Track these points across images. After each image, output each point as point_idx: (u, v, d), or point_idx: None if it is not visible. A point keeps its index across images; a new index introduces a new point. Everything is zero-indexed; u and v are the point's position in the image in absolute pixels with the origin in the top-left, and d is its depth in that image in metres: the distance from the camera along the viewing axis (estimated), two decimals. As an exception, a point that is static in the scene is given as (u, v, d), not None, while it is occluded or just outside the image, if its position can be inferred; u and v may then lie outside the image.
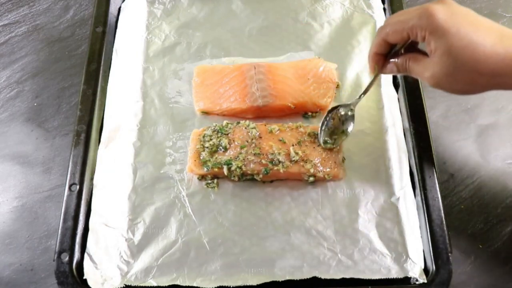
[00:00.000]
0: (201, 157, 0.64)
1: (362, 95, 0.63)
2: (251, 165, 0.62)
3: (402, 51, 0.53)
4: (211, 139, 0.65)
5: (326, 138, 0.64)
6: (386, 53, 0.54)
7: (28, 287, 0.63)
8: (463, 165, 0.70)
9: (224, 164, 0.62)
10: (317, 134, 0.65)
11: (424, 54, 0.49)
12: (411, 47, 0.52)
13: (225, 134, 0.65)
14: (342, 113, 0.65)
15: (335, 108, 0.65)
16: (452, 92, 0.48)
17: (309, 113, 0.70)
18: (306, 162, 0.62)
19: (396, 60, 0.52)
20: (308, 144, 0.64)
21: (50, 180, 0.70)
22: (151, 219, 0.62)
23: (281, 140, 0.64)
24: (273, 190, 0.64)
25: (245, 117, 0.69)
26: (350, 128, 0.65)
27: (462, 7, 0.45)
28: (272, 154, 0.63)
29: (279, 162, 0.62)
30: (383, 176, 0.65)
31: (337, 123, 0.65)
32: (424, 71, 0.47)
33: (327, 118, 0.65)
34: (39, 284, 0.63)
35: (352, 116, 0.65)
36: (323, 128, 0.65)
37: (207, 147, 0.64)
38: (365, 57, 0.74)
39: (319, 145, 0.64)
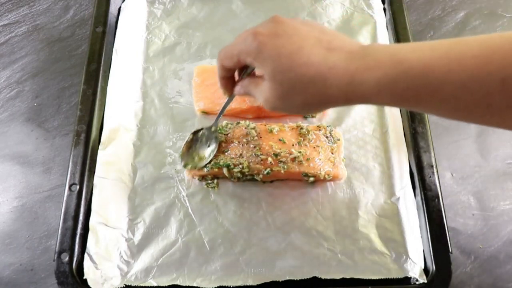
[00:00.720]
0: (201, 157, 0.64)
1: (218, 117, 0.62)
2: (252, 165, 0.62)
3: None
4: (211, 139, 0.65)
5: (188, 160, 0.64)
6: (232, 75, 0.52)
7: (28, 287, 0.63)
8: (463, 165, 0.70)
9: (224, 166, 0.62)
10: (315, 134, 0.65)
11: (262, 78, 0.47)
12: None
13: (224, 134, 0.65)
14: (206, 134, 0.64)
15: (199, 130, 0.65)
16: (291, 114, 0.47)
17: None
18: (306, 162, 0.62)
19: (243, 82, 0.50)
20: (308, 144, 0.64)
21: (50, 180, 0.70)
22: (151, 219, 0.62)
23: (281, 140, 0.64)
24: (273, 190, 0.64)
25: (245, 117, 0.69)
26: (212, 148, 0.63)
27: (294, 23, 0.43)
28: (273, 154, 0.63)
29: (280, 162, 0.62)
30: (383, 176, 0.65)
31: (202, 144, 0.64)
32: (260, 95, 0.46)
33: (193, 140, 0.64)
34: (39, 284, 0.63)
35: (215, 138, 0.63)
36: (187, 150, 0.64)
37: (207, 147, 0.64)
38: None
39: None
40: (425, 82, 0.36)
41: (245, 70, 0.51)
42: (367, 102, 0.41)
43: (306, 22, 0.44)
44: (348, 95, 0.40)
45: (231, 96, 0.56)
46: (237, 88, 0.52)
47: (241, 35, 0.45)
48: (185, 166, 0.64)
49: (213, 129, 0.64)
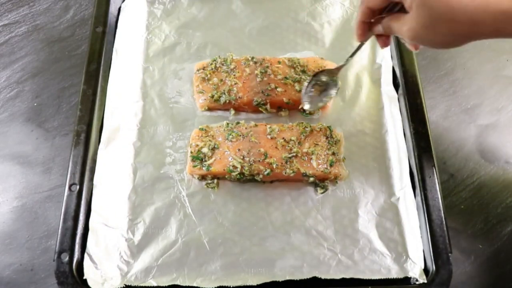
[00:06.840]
0: (201, 157, 0.64)
1: (350, 58, 0.63)
2: (252, 166, 0.62)
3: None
4: (211, 140, 0.65)
5: (307, 102, 0.66)
6: (370, 19, 0.55)
7: (28, 287, 0.63)
8: (463, 165, 0.70)
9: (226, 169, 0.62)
10: (315, 134, 0.65)
11: (405, 13, 0.49)
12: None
13: (225, 135, 0.65)
14: (324, 79, 0.66)
15: (319, 73, 0.66)
16: (433, 46, 0.48)
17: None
18: (306, 162, 0.62)
19: (382, 22, 0.53)
20: (308, 145, 0.64)
21: (50, 180, 0.70)
22: (151, 219, 0.62)
23: (281, 140, 0.64)
24: (273, 190, 0.64)
25: (244, 110, 0.70)
26: (333, 92, 0.66)
27: None
28: (273, 154, 0.63)
29: (280, 162, 0.62)
30: (383, 176, 0.65)
31: (320, 88, 0.66)
32: (402, 26, 0.48)
33: (311, 83, 0.66)
34: (39, 284, 0.63)
35: (336, 82, 0.66)
36: (305, 92, 0.66)
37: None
38: (365, 57, 0.74)
39: (304, 111, 0.68)
40: None
41: (384, 11, 0.53)
42: None
43: None
44: (500, 25, 0.41)
45: (364, 41, 0.58)
46: (376, 28, 0.55)
47: None
48: (305, 107, 0.67)
49: (336, 72, 0.65)
